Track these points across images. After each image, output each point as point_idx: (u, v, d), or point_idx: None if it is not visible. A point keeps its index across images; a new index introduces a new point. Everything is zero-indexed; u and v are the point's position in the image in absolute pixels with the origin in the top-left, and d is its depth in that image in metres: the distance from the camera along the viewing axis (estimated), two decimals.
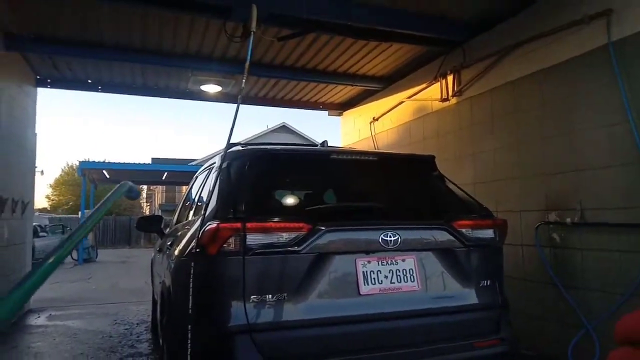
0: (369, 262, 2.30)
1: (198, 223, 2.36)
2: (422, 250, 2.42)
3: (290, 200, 2.60)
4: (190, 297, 2.12)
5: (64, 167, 44.20)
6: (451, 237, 2.48)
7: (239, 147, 2.88)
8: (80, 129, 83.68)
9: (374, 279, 2.29)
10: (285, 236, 2.17)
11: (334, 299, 2.23)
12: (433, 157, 2.96)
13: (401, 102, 6.42)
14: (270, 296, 2.11)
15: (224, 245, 2.12)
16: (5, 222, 5.40)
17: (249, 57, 2.86)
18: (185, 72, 6.31)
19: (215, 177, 2.57)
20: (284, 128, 27.49)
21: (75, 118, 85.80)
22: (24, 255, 6.38)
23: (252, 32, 2.95)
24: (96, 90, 7.58)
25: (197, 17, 4.68)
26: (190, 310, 2.12)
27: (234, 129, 2.64)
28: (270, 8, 4.06)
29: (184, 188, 25.42)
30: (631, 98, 3.43)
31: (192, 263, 2.17)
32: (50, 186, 42.13)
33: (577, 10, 3.85)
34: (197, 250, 2.20)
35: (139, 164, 18.60)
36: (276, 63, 6.17)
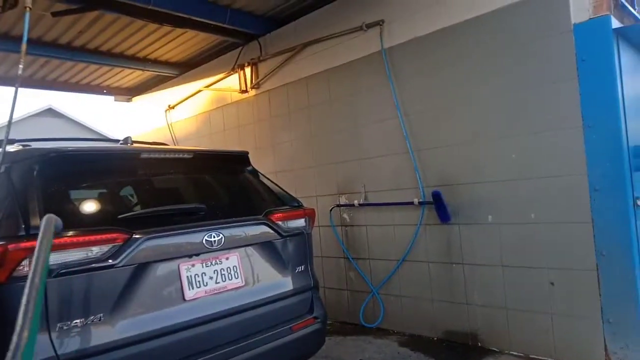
0: (192, 265, 2.24)
1: None
2: (244, 246, 2.47)
3: (98, 209, 2.30)
4: None
5: None
6: (270, 230, 2.60)
7: (19, 146, 2.41)
8: None
9: (199, 282, 2.24)
10: (96, 250, 1.94)
11: (157, 310, 2.10)
12: (247, 153, 3.02)
13: (199, 91, 6.27)
14: (81, 320, 1.86)
15: (16, 268, 1.77)
16: None
17: (25, 37, 2.39)
18: None
19: None
20: (50, 111, 23.58)
21: None
22: None
23: (27, 9, 2.45)
24: None
25: None
26: None
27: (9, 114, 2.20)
28: None
29: None
30: (400, 97, 4.12)
31: None
32: None
33: (358, 18, 4.39)
34: None
35: None
36: (47, 40, 5.29)
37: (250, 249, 2.52)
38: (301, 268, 2.77)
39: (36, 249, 1.43)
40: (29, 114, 22.96)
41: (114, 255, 1.97)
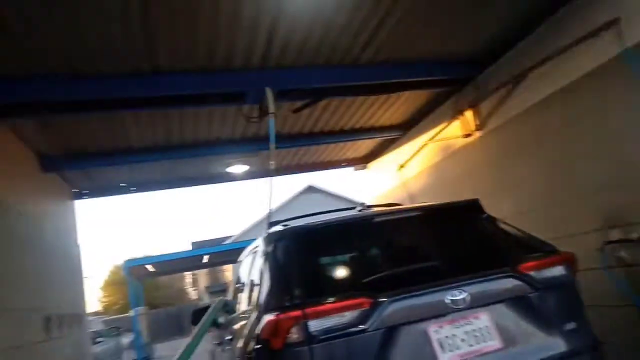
0: (440, 327, 2.16)
1: (254, 315, 2.29)
2: (493, 304, 2.26)
3: (345, 275, 2.51)
4: None
5: (111, 268, 45.29)
6: (520, 283, 2.33)
7: (279, 227, 2.85)
8: (120, 228, 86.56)
9: (451, 344, 2.13)
10: (347, 315, 2.07)
11: None
12: (477, 200, 2.85)
13: (424, 145, 6.38)
14: None
15: (287, 336, 2.03)
16: (66, 340, 5.44)
17: (272, 139, 2.90)
18: (211, 159, 6.50)
19: (263, 263, 2.52)
20: (310, 189, 27.56)
21: (114, 218, 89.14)
22: None
23: (271, 114, 3.00)
24: (129, 192, 7.86)
25: (214, 107, 4.87)
26: None
27: (268, 202, 2.60)
28: (280, 86, 4.19)
29: (226, 268, 25.54)
30: None
31: None
32: (100, 289, 43.04)
33: (585, 24, 3.81)
34: (259, 346, 2.11)
35: (179, 252, 18.84)
36: (294, 132, 6.29)
37: (501, 306, 2.28)
38: (572, 324, 2.34)
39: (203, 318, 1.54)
40: (294, 194, 27.41)
41: (363, 319, 2.06)
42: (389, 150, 7.59)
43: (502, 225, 2.78)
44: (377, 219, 2.65)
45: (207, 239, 33.54)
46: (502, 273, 2.34)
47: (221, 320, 4.22)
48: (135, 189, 7.87)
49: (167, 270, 23.24)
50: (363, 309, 2.08)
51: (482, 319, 2.22)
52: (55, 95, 3.79)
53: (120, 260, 44.44)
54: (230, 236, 29.37)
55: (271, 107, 2.98)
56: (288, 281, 2.27)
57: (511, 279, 2.32)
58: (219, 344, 3.95)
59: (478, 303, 2.22)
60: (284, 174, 8.22)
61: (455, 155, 5.84)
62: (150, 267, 18.59)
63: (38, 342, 4.56)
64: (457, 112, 5.54)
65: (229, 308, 3.40)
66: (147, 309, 18.66)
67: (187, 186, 8.25)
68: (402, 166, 7.13)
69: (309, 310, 2.05)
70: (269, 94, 3.00)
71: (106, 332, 16.79)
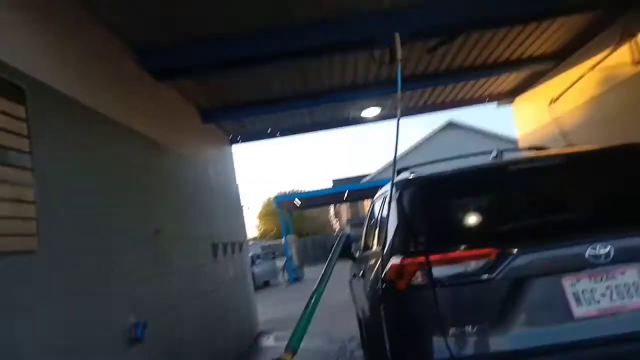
0: (577, 280, 2.06)
1: (382, 257, 2.45)
2: None
3: (472, 225, 2.49)
4: (388, 333, 2.21)
5: (265, 200, 50.43)
6: None
7: (408, 174, 2.90)
8: (272, 167, 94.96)
9: (589, 299, 2.04)
10: (473, 264, 2.10)
11: (542, 326, 2.06)
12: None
13: (582, 76, 5.60)
14: (469, 327, 2.06)
15: (411, 279, 2.16)
16: (229, 263, 6.42)
17: (399, 86, 2.88)
18: (346, 104, 6.69)
19: (390, 208, 2.64)
20: (451, 125, 26.21)
21: (267, 159, 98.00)
22: (247, 287, 7.47)
23: (398, 60, 2.96)
24: (275, 136, 8.57)
25: (346, 55, 4.95)
26: (390, 345, 2.21)
27: (398, 145, 2.63)
28: (412, 27, 4.04)
29: (366, 202, 26.48)
30: None
31: (384, 299, 2.26)
32: (257, 218, 48.57)
33: None
34: (386, 285, 2.28)
35: (322, 189, 20.14)
36: (430, 71, 6.05)
37: None
38: None
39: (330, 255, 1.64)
40: (433, 131, 26.44)
41: (490, 269, 2.07)
42: (539, 84, 6.84)
43: None
44: (512, 167, 2.53)
45: (346, 177, 34.90)
46: None
47: (356, 255, 4.55)
48: (279, 133, 8.55)
49: (311, 205, 25.07)
50: (490, 259, 2.09)
51: (629, 275, 2.05)
52: (211, 56, 4.29)
53: (272, 194, 49.22)
54: (368, 174, 30.06)
55: (399, 54, 2.92)
56: (414, 228, 2.36)
57: None
58: (354, 276, 4.29)
59: (626, 258, 2.05)
60: (421, 113, 8.05)
61: (622, 86, 5.05)
62: (297, 202, 20.28)
63: (207, 264, 5.48)
64: (627, 36, 4.72)
65: (352, 240, 3.65)
66: (295, 237, 20.59)
67: (325, 129, 8.66)
68: (554, 101, 6.41)
69: (433, 257, 2.13)
70: (397, 39, 2.93)
71: (263, 256, 19.11)
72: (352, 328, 6.82)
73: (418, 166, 3.13)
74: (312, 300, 0.79)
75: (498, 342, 2.04)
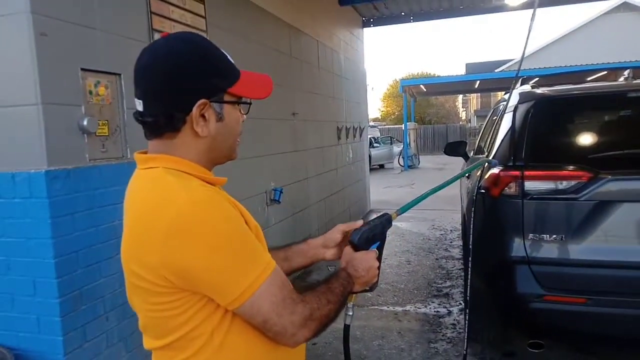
0: None
1: (485, 165, 2.78)
2: None
3: (573, 148, 2.65)
4: (474, 228, 2.64)
5: (390, 82, 49.61)
6: None
7: (527, 88, 3.03)
8: (403, 45, 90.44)
9: None
10: (563, 184, 2.36)
11: (617, 244, 2.32)
12: None
13: None
14: (547, 236, 2.40)
15: (505, 189, 2.50)
16: (350, 145, 7.09)
17: None
18: None
19: (503, 119, 2.87)
20: (624, 5, 22.10)
21: (396, 42, 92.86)
22: (363, 168, 8.21)
23: None
24: (409, 21, 8.44)
25: None
26: (477, 239, 2.65)
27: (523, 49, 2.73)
28: None
29: (500, 94, 24.80)
30: None
31: (478, 201, 2.66)
32: (380, 99, 48.49)
33: None
34: (482, 191, 2.66)
35: (451, 76, 19.24)
36: None
37: None
38: None
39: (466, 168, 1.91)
40: (601, 12, 22.68)
41: (578, 190, 2.32)
42: None
43: None
44: (632, 95, 2.54)
45: (482, 62, 32.37)
46: None
47: (470, 155, 4.80)
48: (413, 18, 8.38)
49: (438, 91, 24.29)
50: (580, 180, 2.32)
51: None
52: None
53: (399, 76, 47.92)
54: (509, 60, 27.55)
55: None
56: (518, 143, 2.61)
57: None
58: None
59: None
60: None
61: None
62: (423, 87, 19.85)
63: (331, 145, 6.18)
64: None
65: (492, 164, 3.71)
66: (416, 124, 20.63)
67: (462, 15, 8.26)
68: None
69: (528, 172, 2.42)
70: None
71: (382, 139, 19.73)
72: (456, 220, 7.33)
73: (542, 76, 3.20)
74: (426, 191, 1.08)
75: (571, 252, 2.37)
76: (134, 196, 0.92)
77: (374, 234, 1.15)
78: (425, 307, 4.05)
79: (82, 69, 2.01)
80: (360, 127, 7.76)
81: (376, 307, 4.09)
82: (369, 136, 14.18)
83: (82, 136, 1.99)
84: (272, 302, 0.86)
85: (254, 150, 3.91)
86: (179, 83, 0.89)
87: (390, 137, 21.33)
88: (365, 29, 8.40)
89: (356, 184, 7.56)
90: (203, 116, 0.91)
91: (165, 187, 0.86)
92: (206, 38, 1.00)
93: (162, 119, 0.90)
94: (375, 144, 18.13)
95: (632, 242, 2.30)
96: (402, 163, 18.40)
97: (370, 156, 13.48)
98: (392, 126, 33.49)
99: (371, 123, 28.98)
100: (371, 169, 13.14)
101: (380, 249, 1.16)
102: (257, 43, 4.04)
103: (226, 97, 0.94)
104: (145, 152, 0.96)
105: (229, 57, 0.98)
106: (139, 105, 0.92)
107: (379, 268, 1.13)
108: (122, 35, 2.27)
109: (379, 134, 21.37)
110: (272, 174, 4.27)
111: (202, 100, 0.90)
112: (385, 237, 1.19)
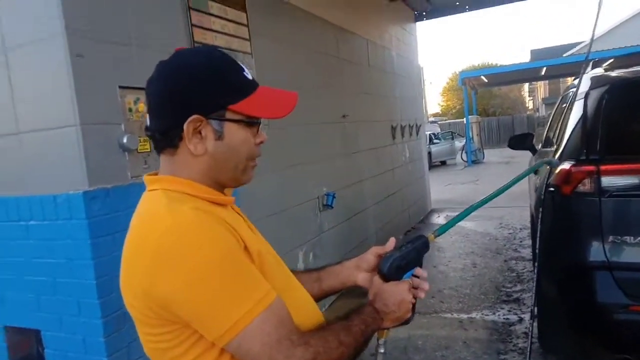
0: None
1: (554, 158, 2.50)
2: None
3: None
4: (543, 229, 2.38)
5: (450, 75, 48.13)
6: None
7: (599, 72, 2.70)
8: (462, 36, 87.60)
9: None
10: None
11: None
12: None
13: None
14: (631, 238, 2.10)
15: (578, 186, 2.22)
16: (406, 144, 6.84)
17: None
18: None
19: (573, 107, 2.57)
20: None
21: (454, 34, 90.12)
22: (422, 167, 7.91)
23: None
24: (464, 10, 8.04)
25: None
26: (546, 242, 2.38)
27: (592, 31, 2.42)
28: None
29: (569, 80, 23.20)
30: None
31: (548, 200, 2.39)
32: (440, 94, 47.20)
33: None
34: (552, 189, 2.38)
35: (513, 65, 18.19)
36: None
37: None
38: None
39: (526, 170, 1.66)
40: None
41: None
42: None
43: None
44: None
45: (549, 47, 30.50)
46: None
47: (537, 147, 4.43)
48: (469, 7, 7.97)
49: (501, 81, 23.12)
50: None
51: None
52: None
53: (458, 68, 46.37)
54: (579, 43, 25.72)
55: None
56: (591, 134, 2.31)
57: None
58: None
59: None
60: None
61: None
62: (484, 78, 18.98)
63: (386, 145, 5.98)
64: None
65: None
66: (478, 117, 19.73)
67: (519, 0, 7.75)
68: None
69: (604, 167, 2.13)
70: None
71: (442, 135, 19.08)
72: (525, 218, 6.83)
73: (619, 58, 2.86)
74: (471, 205, 0.93)
75: None
76: (132, 221, 0.87)
77: (407, 262, 0.99)
78: (494, 313, 3.76)
79: (121, 87, 2.01)
80: (416, 125, 7.48)
81: (440, 314, 3.85)
82: (428, 133, 13.74)
83: (123, 154, 1.99)
84: (263, 343, 0.75)
85: (304, 156, 3.83)
86: (174, 97, 0.85)
87: (452, 132, 20.56)
88: (418, 23, 8.11)
89: (415, 184, 7.29)
90: (200, 133, 0.85)
91: (154, 211, 0.82)
92: (222, 51, 0.93)
93: (158, 134, 0.88)
94: (435, 140, 17.56)
95: None
96: (465, 158, 17.65)
97: (430, 153, 13.05)
98: (453, 120, 32.37)
99: (431, 118, 28.22)
100: (432, 166, 12.71)
101: (423, 277, 1.02)
102: (303, 47, 3.97)
103: (229, 115, 0.86)
104: (156, 174, 0.92)
105: (244, 72, 0.90)
106: (147, 120, 0.91)
107: (413, 301, 0.98)
108: (161, 50, 2.26)
109: (439, 130, 20.69)
110: (324, 178, 4.18)
111: (194, 116, 0.84)
112: (421, 264, 1.03)
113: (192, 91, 0.84)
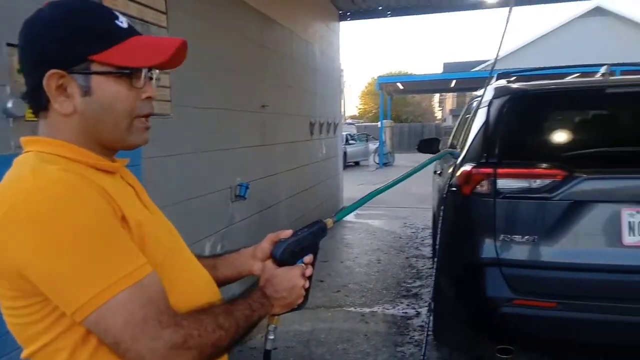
0: (637, 212, 2.14)
1: (457, 161, 2.66)
2: None
3: (548, 145, 2.54)
4: (443, 227, 2.51)
5: (369, 80, 49.75)
6: None
7: (502, 83, 2.92)
8: (379, 46, 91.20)
9: None
10: (537, 182, 2.25)
11: (589, 247, 2.22)
12: None
13: None
14: (519, 237, 2.28)
15: (477, 187, 2.37)
16: (323, 141, 6.92)
17: None
18: None
19: (477, 114, 2.75)
20: (598, 11, 22.55)
21: (374, 38, 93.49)
22: (337, 165, 8.06)
23: None
24: (386, 16, 8.32)
25: None
26: (447, 238, 2.52)
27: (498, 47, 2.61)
28: None
29: (474, 93, 25.08)
30: None
31: (449, 199, 2.53)
32: (358, 97, 48.65)
33: None
34: (454, 189, 2.53)
35: (428, 75, 19.30)
36: None
37: None
38: None
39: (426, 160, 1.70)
40: (575, 15, 23.08)
41: (552, 189, 2.21)
42: None
43: None
44: (610, 91, 2.45)
45: (460, 62, 32.71)
46: None
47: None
48: (391, 13, 8.26)
49: (415, 90, 24.38)
50: (555, 179, 2.21)
51: None
52: None
53: (377, 74, 48.18)
54: (485, 61, 27.87)
55: None
56: (491, 139, 2.49)
57: None
58: (435, 172, 4.53)
59: None
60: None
61: None
62: (400, 85, 19.86)
63: (304, 140, 6.00)
64: None
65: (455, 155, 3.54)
66: (392, 122, 20.63)
67: (439, 12, 8.21)
68: None
69: (501, 170, 2.30)
70: None
71: (358, 137, 19.66)
72: (428, 219, 7.24)
73: (519, 73, 3.11)
74: (369, 193, 0.95)
75: (543, 254, 2.26)
76: None
77: (302, 247, 0.97)
78: (394, 308, 3.93)
79: (9, 44, 1.77)
80: (334, 123, 7.60)
81: (343, 308, 3.94)
82: (345, 133, 14.05)
83: (6, 120, 1.76)
84: (126, 322, 0.68)
85: (218, 142, 3.70)
86: (30, 53, 0.78)
87: (367, 135, 21.28)
88: (342, 23, 8.24)
89: (329, 181, 7.40)
90: (65, 90, 0.77)
91: (17, 172, 0.73)
92: (90, 1, 0.82)
93: (27, 96, 0.81)
94: (351, 141, 18.04)
95: (606, 244, 2.20)
96: (377, 161, 18.36)
97: (345, 153, 13.34)
98: (368, 123, 33.53)
99: (348, 120, 28.91)
100: (346, 166, 13.03)
101: (313, 263, 0.99)
102: (225, 30, 3.82)
103: (95, 67, 0.77)
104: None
105: (117, 20, 0.80)
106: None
107: (307, 287, 0.96)
108: None
109: (356, 131, 21.29)
110: (238, 168, 4.07)
111: (52, 71, 0.76)
112: (317, 249, 1.01)
113: (46, 43, 0.76)
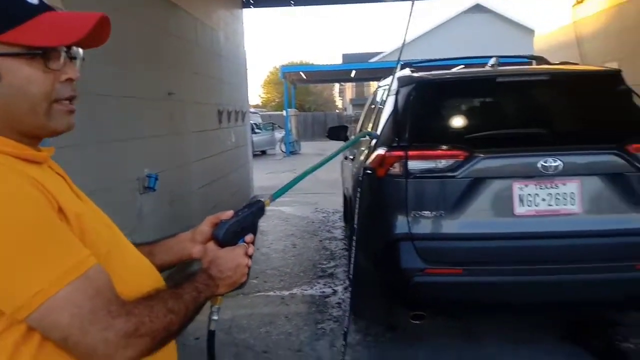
0: (526, 185, 2.46)
1: (369, 147, 2.82)
2: (587, 175, 2.44)
3: (451, 128, 2.82)
4: (360, 208, 2.67)
5: (271, 69, 49.46)
6: (623, 162, 2.42)
7: (407, 73, 3.13)
8: (281, 36, 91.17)
9: (530, 201, 2.46)
10: (443, 162, 2.48)
11: (487, 218, 2.52)
12: (619, 72, 2.73)
13: None
14: (428, 212, 2.51)
15: (390, 169, 2.55)
16: (232, 130, 6.82)
17: None
18: None
19: (387, 102, 2.93)
20: (478, 8, 24.72)
21: (277, 27, 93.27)
22: (246, 153, 8.00)
23: None
24: (289, 4, 8.36)
25: None
26: (363, 218, 2.68)
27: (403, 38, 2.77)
28: None
29: (372, 84, 26.25)
30: None
31: (364, 182, 2.68)
32: (261, 86, 48.21)
33: None
34: (369, 172, 2.69)
35: (329, 65, 19.82)
36: None
37: (594, 179, 2.46)
38: None
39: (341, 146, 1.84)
40: (457, 12, 25.02)
41: (456, 168, 2.46)
42: None
43: (636, 101, 2.69)
44: (500, 80, 2.77)
45: (358, 52, 33.89)
46: (607, 149, 2.44)
47: (350, 138, 4.90)
48: (294, 2, 8.32)
49: (318, 79, 24.83)
50: (457, 159, 2.45)
51: (570, 186, 2.45)
52: None
53: (279, 63, 48.17)
54: (381, 52, 29.21)
55: None
56: (401, 124, 2.68)
57: (614, 156, 2.42)
58: (345, 158, 4.72)
59: (571, 172, 2.43)
60: None
61: None
62: (303, 75, 20.10)
63: (213, 129, 5.87)
64: None
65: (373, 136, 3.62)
66: (297, 111, 20.86)
67: (341, 3, 8.43)
68: (579, 1, 6.21)
69: (411, 152, 2.50)
70: None
71: (263, 126, 19.56)
72: (337, 203, 7.52)
73: (421, 63, 3.35)
74: (303, 172, 1.00)
75: (449, 226, 2.51)
76: None
77: (242, 227, 0.99)
78: (312, 288, 4.06)
79: None
80: (242, 111, 7.52)
81: (262, 293, 3.98)
82: (250, 122, 13.91)
83: None
84: (73, 315, 0.67)
85: (122, 132, 3.49)
86: None
87: (272, 124, 21.26)
88: (245, 10, 8.12)
89: (240, 170, 7.34)
90: None
91: None
92: None
93: None
94: (257, 130, 17.90)
95: (501, 215, 2.51)
96: (284, 149, 18.48)
97: (252, 142, 13.24)
98: (273, 112, 33.47)
99: (252, 109, 28.58)
100: (253, 155, 12.91)
101: (253, 242, 1.02)
102: (127, 13, 3.59)
103: (1, 49, 0.71)
104: None
105: None
106: None
107: (248, 264, 0.99)
108: None
109: (261, 120, 21.18)
110: (146, 159, 3.88)
111: None
112: (257, 228, 1.04)
113: None
